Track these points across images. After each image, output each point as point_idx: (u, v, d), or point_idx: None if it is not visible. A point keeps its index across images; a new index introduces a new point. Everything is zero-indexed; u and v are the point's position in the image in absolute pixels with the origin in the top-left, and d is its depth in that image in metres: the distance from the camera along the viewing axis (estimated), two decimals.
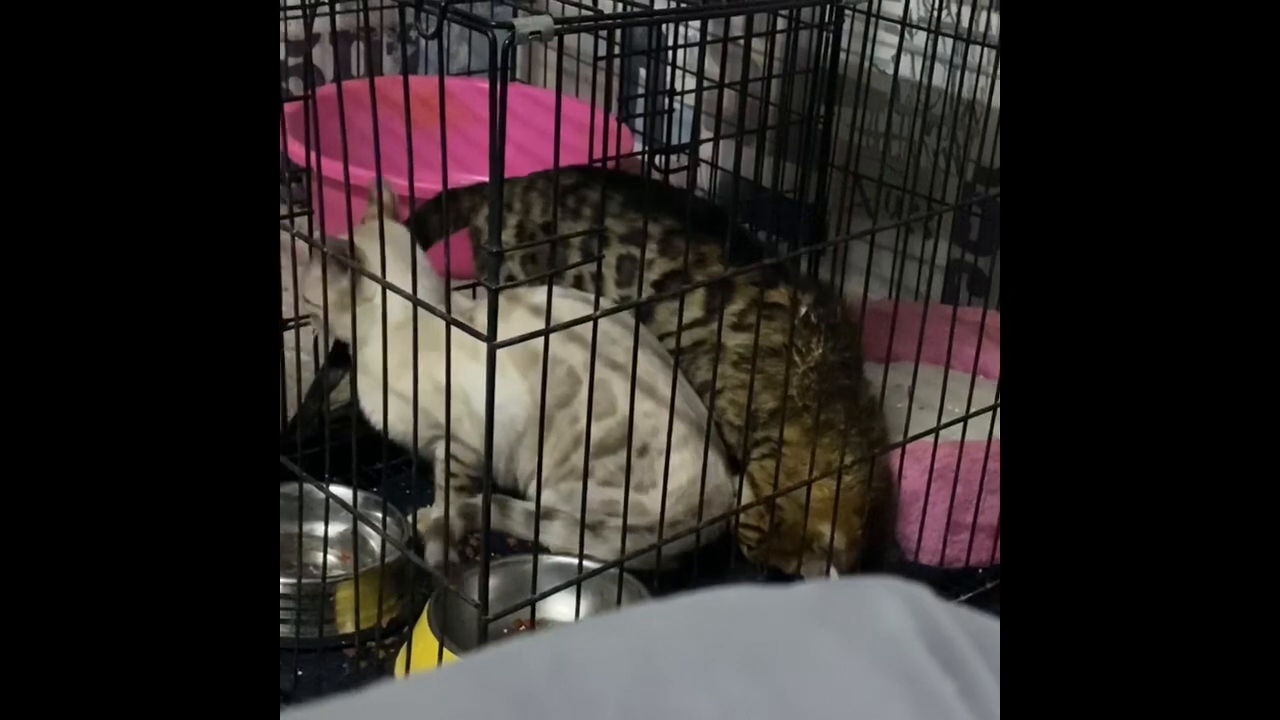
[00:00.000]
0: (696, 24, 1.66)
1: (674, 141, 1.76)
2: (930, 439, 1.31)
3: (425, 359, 1.05)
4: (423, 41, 1.87)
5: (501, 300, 0.99)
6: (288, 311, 1.27)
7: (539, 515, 1.19)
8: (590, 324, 1.04)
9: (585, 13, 1.01)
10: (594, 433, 1.16)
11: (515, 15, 0.91)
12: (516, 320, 1.19)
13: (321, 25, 1.12)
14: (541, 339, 1.01)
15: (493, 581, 1.10)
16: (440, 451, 1.31)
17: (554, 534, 1.29)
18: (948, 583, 1.39)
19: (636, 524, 1.20)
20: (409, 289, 1.03)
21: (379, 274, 1.06)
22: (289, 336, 1.30)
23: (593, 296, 1.26)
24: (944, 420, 1.30)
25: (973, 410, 1.31)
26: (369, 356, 1.22)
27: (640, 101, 1.81)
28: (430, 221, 1.37)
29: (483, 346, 0.99)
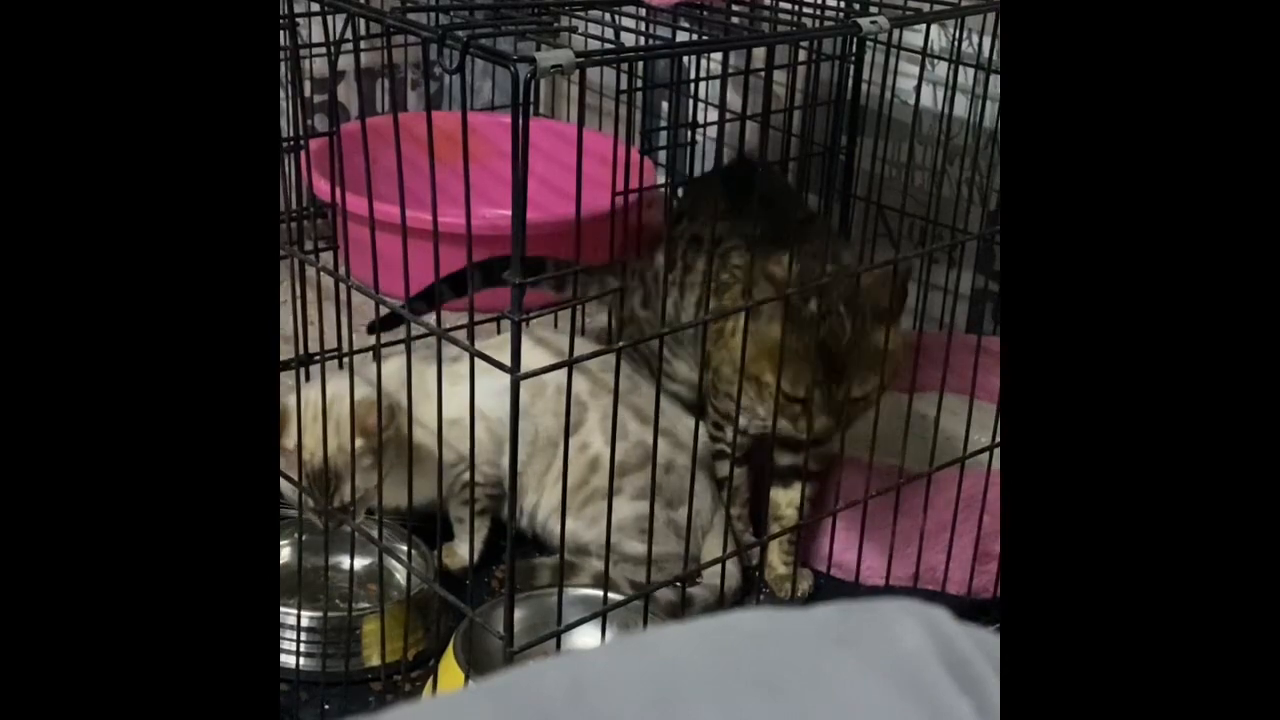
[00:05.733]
0: (718, 56, 1.66)
1: (697, 173, 1.77)
2: (956, 469, 1.31)
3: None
4: (447, 77, 1.89)
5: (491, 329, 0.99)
6: (312, 346, 1.27)
7: (563, 549, 1.18)
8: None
9: (607, 46, 1.01)
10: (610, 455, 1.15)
11: (538, 49, 0.91)
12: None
13: (346, 62, 1.13)
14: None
15: (518, 614, 1.10)
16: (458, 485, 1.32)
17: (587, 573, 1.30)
18: (975, 613, 1.37)
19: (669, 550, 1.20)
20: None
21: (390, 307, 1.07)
22: (314, 371, 1.31)
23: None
24: (970, 450, 1.29)
25: (998, 439, 1.31)
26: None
27: (663, 134, 1.82)
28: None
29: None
